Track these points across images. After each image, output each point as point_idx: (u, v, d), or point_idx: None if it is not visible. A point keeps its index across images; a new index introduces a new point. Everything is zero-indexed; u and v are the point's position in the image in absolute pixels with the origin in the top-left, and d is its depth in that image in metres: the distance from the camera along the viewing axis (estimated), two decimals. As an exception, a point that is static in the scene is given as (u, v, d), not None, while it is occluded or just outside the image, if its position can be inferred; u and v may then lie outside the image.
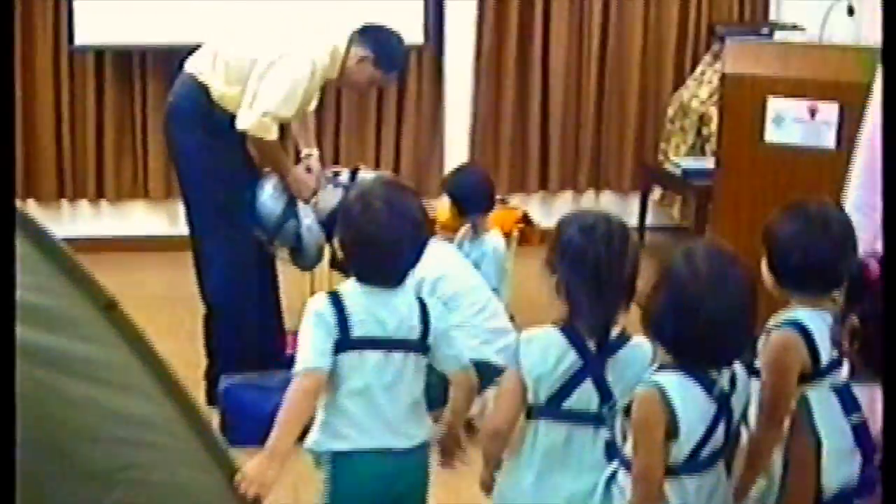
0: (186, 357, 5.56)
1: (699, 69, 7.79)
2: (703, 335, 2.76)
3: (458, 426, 3.32)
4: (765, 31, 7.44)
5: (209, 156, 4.98)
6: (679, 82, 7.87)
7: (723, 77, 5.27)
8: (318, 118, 5.43)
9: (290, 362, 3.14)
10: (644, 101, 7.99)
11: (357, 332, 3.04)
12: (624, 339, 2.98)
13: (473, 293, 4.93)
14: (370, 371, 3.07)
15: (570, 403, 2.94)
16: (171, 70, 6.98)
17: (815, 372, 3.06)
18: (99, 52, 7.20)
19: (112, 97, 7.28)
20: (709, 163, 6.93)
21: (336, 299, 3.06)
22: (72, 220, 7.46)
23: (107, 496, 2.62)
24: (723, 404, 2.83)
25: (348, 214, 3.14)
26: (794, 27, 7.38)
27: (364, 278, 3.11)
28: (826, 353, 3.05)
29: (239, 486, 2.91)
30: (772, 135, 5.07)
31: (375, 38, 5.02)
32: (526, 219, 6.16)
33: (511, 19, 7.68)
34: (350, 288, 3.12)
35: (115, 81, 7.28)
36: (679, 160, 7.24)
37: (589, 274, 2.89)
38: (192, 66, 5.05)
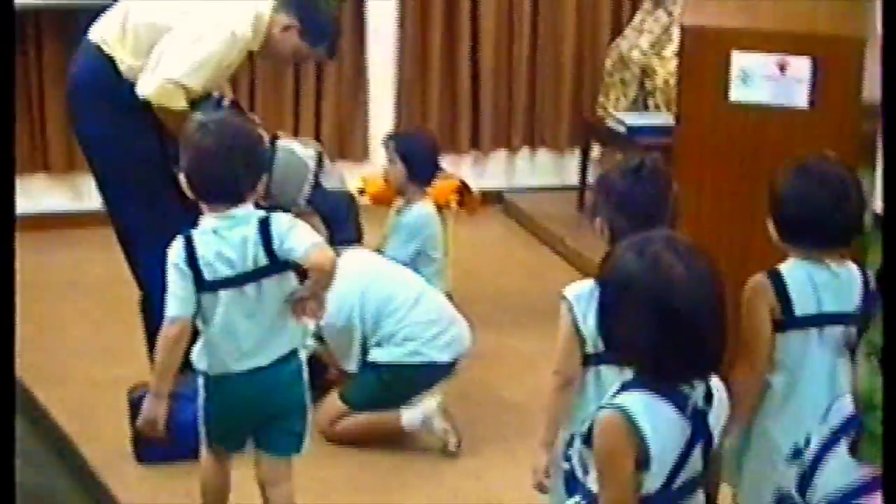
0: (97, 350, 5.14)
1: (638, 17, 7.37)
2: (684, 343, 2.39)
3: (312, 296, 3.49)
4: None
5: (120, 135, 4.49)
6: (617, 32, 7.45)
7: (682, 29, 4.82)
8: (231, 81, 4.95)
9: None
10: (580, 52, 7.60)
11: (208, 275, 3.39)
12: None
13: (403, 290, 4.58)
14: (227, 307, 3.41)
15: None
16: (69, 32, 6.51)
17: (788, 320, 3.15)
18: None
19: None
20: (655, 118, 6.57)
21: (188, 244, 3.40)
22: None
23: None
24: (698, 423, 2.46)
25: (188, 141, 3.46)
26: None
27: (207, 198, 3.43)
28: (806, 305, 3.14)
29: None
30: (738, 93, 4.63)
31: (300, 5, 4.59)
32: (464, 187, 5.70)
33: (437, -34, 7.24)
34: (200, 229, 3.43)
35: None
36: (622, 116, 6.80)
37: (635, 213, 3.03)
38: (97, 33, 4.55)
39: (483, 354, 4.89)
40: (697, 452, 2.46)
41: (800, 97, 4.51)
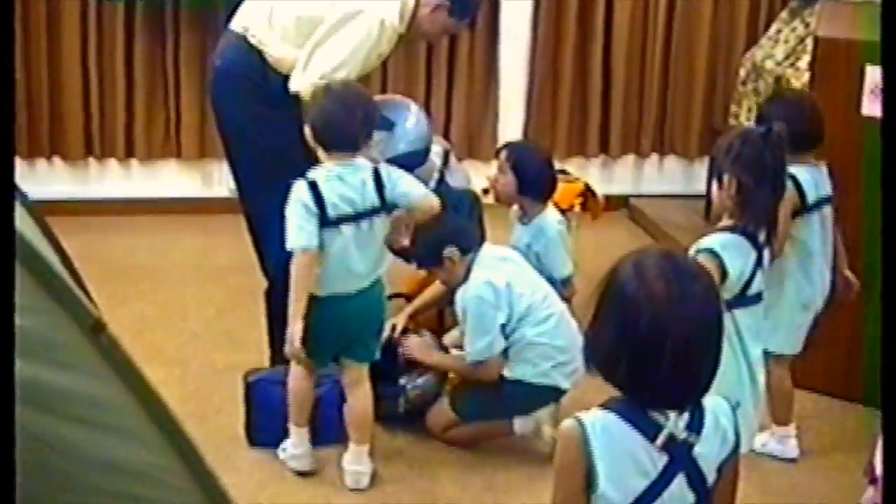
0: (218, 335, 5.21)
1: (774, 27, 7.23)
2: (667, 373, 2.17)
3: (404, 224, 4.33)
4: (863, -11, 6.85)
5: (265, 128, 4.50)
6: (752, 41, 7.34)
7: (815, 41, 4.74)
8: (363, 82, 4.91)
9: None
10: (714, 60, 7.53)
11: (332, 213, 3.99)
12: None
13: (550, 304, 4.38)
14: (345, 240, 4.03)
15: (751, 290, 3.61)
16: (205, 20, 6.63)
17: (804, 208, 4.25)
18: (129, 2, 6.73)
19: (142, 50, 6.83)
20: (787, 129, 6.44)
21: (313, 187, 3.99)
22: (99, 181, 7.07)
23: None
24: (677, 456, 2.26)
25: (316, 99, 4.12)
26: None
27: (329, 147, 4.05)
28: (812, 193, 4.28)
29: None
30: (870, 108, 4.55)
31: None
32: (588, 190, 5.67)
33: (572, -28, 7.19)
34: (323, 174, 4.02)
35: (146, 33, 6.82)
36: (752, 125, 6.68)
37: (763, 173, 3.50)
38: (241, 24, 4.56)
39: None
40: (680, 485, 2.27)
41: (935, 114, 4.40)
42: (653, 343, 2.16)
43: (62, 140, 6.86)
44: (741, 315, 3.57)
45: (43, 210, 3.33)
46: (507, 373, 4.31)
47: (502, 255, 4.43)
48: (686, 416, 2.27)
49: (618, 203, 7.27)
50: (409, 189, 4.17)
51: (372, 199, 4.06)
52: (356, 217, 4.04)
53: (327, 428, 4.29)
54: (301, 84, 4.36)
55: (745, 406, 3.44)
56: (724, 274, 3.48)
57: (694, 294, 2.20)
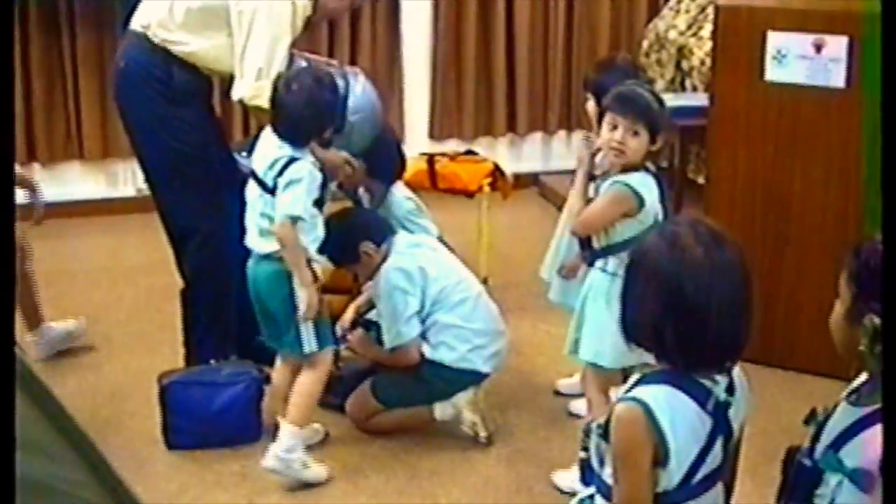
0: (131, 338, 5.13)
1: (675, -3, 7.25)
2: (696, 331, 2.28)
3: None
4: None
5: (174, 128, 4.39)
6: (654, 12, 7.36)
7: (716, 8, 4.73)
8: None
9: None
10: (617, 32, 7.57)
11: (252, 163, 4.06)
12: None
13: (467, 287, 4.36)
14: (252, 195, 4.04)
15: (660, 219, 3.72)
16: (101, 16, 6.50)
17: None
18: (22, 2, 6.55)
19: (38, 50, 6.67)
20: (693, 100, 6.45)
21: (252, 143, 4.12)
22: (1, 186, 6.84)
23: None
24: (719, 418, 2.35)
25: (275, 90, 4.00)
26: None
27: (278, 134, 3.98)
28: None
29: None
30: (773, 73, 4.57)
31: None
32: (497, 170, 5.64)
33: (471, -53, 7.16)
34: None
35: (41, 33, 6.67)
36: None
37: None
38: (141, 22, 4.42)
39: (517, 341, 4.84)
40: (718, 446, 2.36)
41: (836, 77, 4.43)
42: (698, 309, 2.26)
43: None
44: None
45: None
46: (426, 356, 4.27)
47: (415, 241, 4.40)
48: (726, 380, 2.36)
49: (527, 181, 7.25)
50: (280, 204, 3.93)
51: (270, 179, 3.96)
52: (257, 180, 4.01)
53: (246, 427, 4.24)
54: (241, 90, 4.26)
55: None
56: (640, 204, 3.66)
57: (729, 257, 2.30)
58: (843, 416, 2.24)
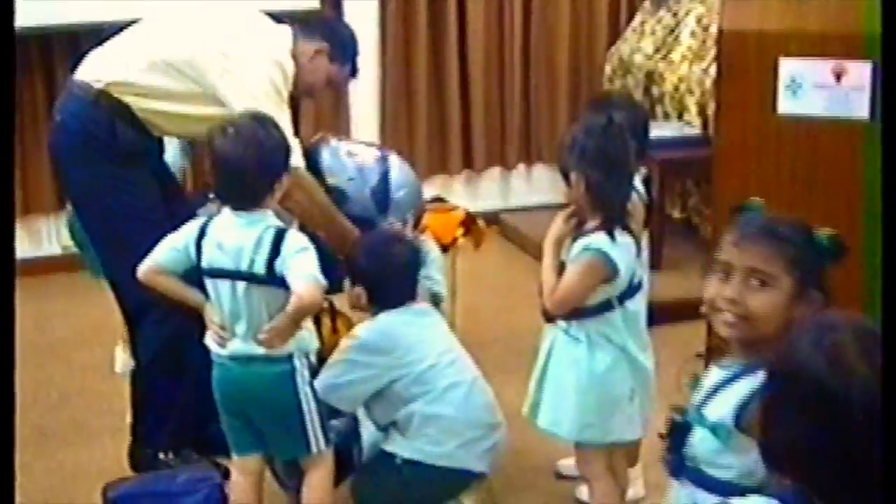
0: (65, 428, 4.56)
1: (638, 19, 6.89)
2: (851, 462, 1.79)
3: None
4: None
5: (116, 188, 4.03)
6: (615, 36, 6.96)
7: (720, 34, 4.30)
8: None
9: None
10: (576, 58, 7.24)
11: (205, 261, 3.43)
12: None
13: (462, 371, 3.76)
14: (219, 296, 3.43)
15: (635, 280, 3.52)
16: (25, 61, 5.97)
17: None
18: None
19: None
20: (670, 130, 6.03)
21: (202, 229, 3.44)
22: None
23: None
24: None
25: (210, 141, 3.39)
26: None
27: (222, 199, 3.45)
28: None
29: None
30: (786, 105, 4.13)
31: (324, 28, 4.44)
32: (469, 217, 5.13)
33: (419, -25, 6.76)
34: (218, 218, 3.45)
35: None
36: (629, 127, 6.23)
37: (609, 167, 3.36)
38: (93, 75, 4.01)
39: (504, 412, 4.26)
40: None
41: (859, 107, 3.99)
42: (865, 438, 1.79)
43: None
44: (630, 304, 3.53)
45: None
46: (402, 451, 3.66)
47: (425, 309, 3.85)
48: None
49: (488, 220, 6.76)
50: (295, 266, 3.33)
51: (255, 262, 3.35)
52: (231, 274, 3.39)
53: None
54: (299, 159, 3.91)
55: (642, 392, 3.55)
56: (614, 271, 3.38)
57: (881, 363, 1.82)
58: (711, 377, 2.48)
